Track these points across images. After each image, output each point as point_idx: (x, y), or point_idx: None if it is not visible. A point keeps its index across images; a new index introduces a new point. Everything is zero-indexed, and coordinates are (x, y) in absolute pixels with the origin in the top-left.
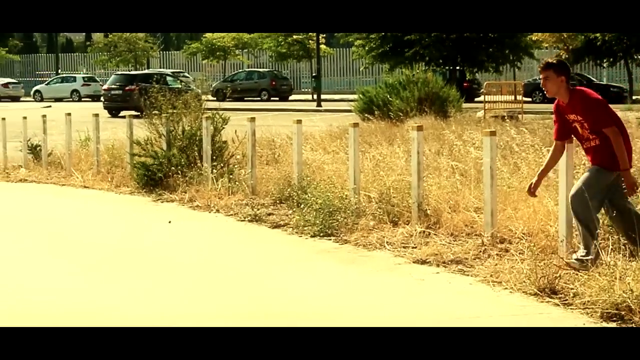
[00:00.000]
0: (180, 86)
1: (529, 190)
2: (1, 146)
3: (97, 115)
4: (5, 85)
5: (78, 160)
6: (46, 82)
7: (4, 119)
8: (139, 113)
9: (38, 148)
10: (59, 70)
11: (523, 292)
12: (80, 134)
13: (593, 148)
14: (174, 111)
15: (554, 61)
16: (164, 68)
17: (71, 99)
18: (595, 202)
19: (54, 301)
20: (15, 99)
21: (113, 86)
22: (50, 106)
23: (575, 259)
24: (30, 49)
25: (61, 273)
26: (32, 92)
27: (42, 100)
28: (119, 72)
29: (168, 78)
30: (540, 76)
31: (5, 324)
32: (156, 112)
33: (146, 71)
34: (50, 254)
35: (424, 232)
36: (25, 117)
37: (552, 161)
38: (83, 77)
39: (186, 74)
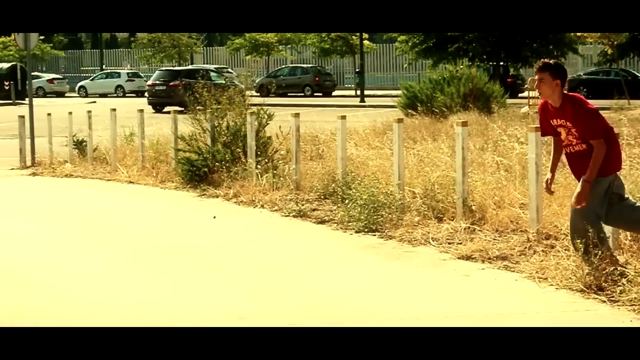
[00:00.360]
0: (224, 82)
1: (546, 188)
2: (47, 141)
3: (141, 110)
4: (51, 81)
5: (123, 156)
6: (91, 78)
7: (49, 114)
8: (183, 108)
9: (83, 143)
10: (104, 66)
11: (569, 288)
12: (125, 130)
13: (579, 153)
14: (219, 107)
15: (552, 63)
16: (207, 64)
17: (115, 95)
18: (598, 211)
19: (100, 296)
20: (60, 94)
21: (157, 82)
22: (94, 102)
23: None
24: (75, 44)
25: (106, 268)
26: (76, 88)
27: (86, 95)
28: (163, 68)
29: (212, 74)
30: (536, 77)
31: (53, 321)
32: (200, 107)
33: (190, 67)
34: (97, 249)
35: (468, 228)
36: (70, 113)
37: (557, 154)
38: (127, 73)
39: (230, 70)
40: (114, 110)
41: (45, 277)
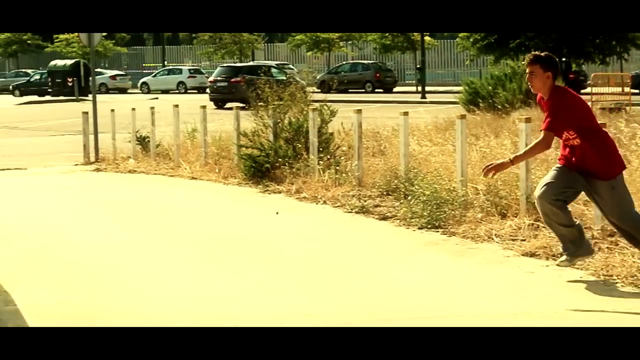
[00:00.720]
0: (285, 78)
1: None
2: (110, 137)
3: (204, 107)
4: (113, 77)
5: (186, 152)
6: (153, 74)
7: (112, 110)
8: (244, 105)
9: (146, 139)
10: (165, 63)
11: (635, 285)
12: (187, 126)
13: (579, 147)
14: (280, 103)
15: (542, 55)
16: (268, 60)
17: (177, 91)
18: (633, 208)
19: (166, 294)
20: (122, 91)
21: (219, 78)
22: (157, 98)
23: None
24: (137, 41)
25: (171, 264)
26: (139, 84)
27: (149, 92)
28: (225, 64)
29: (273, 70)
30: (527, 70)
31: (121, 319)
32: (262, 103)
33: (251, 63)
34: (162, 245)
35: (532, 224)
36: (133, 109)
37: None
38: (189, 69)
39: (291, 66)
40: (177, 106)
41: (114, 273)
